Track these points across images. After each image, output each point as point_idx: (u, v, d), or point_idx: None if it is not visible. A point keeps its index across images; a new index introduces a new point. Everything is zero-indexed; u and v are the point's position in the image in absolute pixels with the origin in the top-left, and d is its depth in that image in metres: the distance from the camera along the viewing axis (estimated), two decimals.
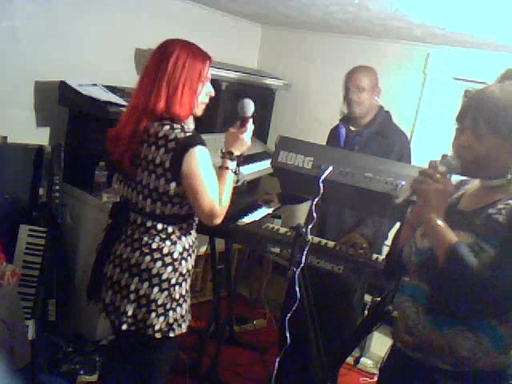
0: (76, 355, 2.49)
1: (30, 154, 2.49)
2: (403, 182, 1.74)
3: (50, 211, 2.47)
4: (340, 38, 3.47)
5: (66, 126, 2.78)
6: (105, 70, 2.84)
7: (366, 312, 2.73)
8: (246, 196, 2.43)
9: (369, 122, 2.39)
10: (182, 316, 1.74)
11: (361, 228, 2.23)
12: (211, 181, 1.60)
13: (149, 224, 1.67)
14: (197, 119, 1.83)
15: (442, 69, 3.07)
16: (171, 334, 1.69)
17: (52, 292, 2.50)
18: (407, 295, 1.36)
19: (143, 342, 1.72)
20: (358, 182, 1.79)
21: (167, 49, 1.62)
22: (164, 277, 1.66)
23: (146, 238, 1.66)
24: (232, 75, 3.21)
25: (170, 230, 1.67)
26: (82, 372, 2.42)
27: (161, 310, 1.66)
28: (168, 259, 1.66)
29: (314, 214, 1.84)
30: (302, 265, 1.86)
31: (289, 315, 1.86)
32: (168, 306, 1.68)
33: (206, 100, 1.73)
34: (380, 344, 2.96)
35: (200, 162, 1.58)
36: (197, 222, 1.77)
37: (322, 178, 1.81)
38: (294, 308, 1.88)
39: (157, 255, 1.65)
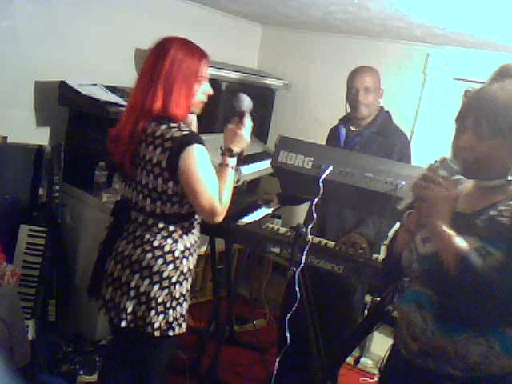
0: (76, 355, 2.49)
1: (30, 154, 2.49)
2: (403, 182, 1.74)
3: (50, 211, 2.47)
4: (340, 37, 3.47)
5: (66, 126, 2.78)
6: (105, 69, 2.84)
7: (366, 312, 2.74)
8: (246, 196, 2.43)
9: (369, 123, 2.39)
10: (182, 315, 1.74)
11: (361, 228, 2.23)
12: (210, 179, 1.60)
13: (150, 222, 1.67)
14: (197, 119, 1.84)
15: (442, 69, 3.07)
16: (171, 333, 1.69)
17: (52, 292, 2.50)
18: (411, 301, 1.34)
19: (142, 339, 1.71)
20: (358, 182, 1.79)
21: (164, 47, 1.62)
22: (165, 275, 1.66)
23: (147, 236, 1.66)
24: (232, 75, 3.21)
25: (171, 228, 1.67)
26: (81, 372, 2.42)
27: (161, 308, 1.66)
28: (169, 257, 1.66)
29: (314, 214, 1.84)
30: (302, 265, 1.86)
31: (289, 315, 1.86)
32: (168, 305, 1.68)
33: (204, 99, 1.72)
34: (380, 344, 2.96)
35: (197, 160, 1.57)
36: (199, 221, 1.77)
37: (322, 178, 1.81)
38: (294, 308, 1.88)
39: (158, 253, 1.65)
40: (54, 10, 2.61)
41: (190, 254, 1.74)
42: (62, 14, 2.65)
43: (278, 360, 1.97)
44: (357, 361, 3.10)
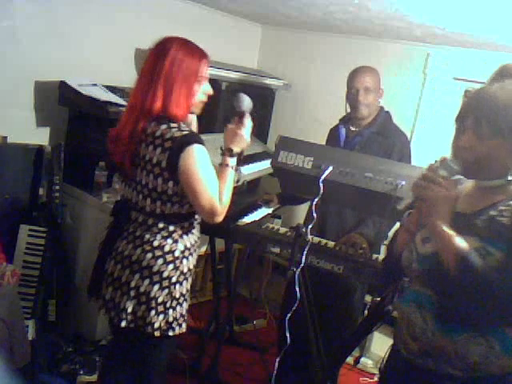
0: (76, 355, 2.49)
1: (30, 154, 2.49)
2: (403, 182, 1.74)
3: (50, 211, 2.47)
4: (340, 37, 3.47)
5: (66, 126, 2.78)
6: (105, 69, 2.84)
7: (366, 312, 2.73)
8: (246, 196, 2.43)
9: (369, 123, 2.39)
10: (182, 315, 1.74)
11: (361, 228, 2.23)
12: (210, 178, 1.60)
13: (150, 222, 1.67)
14: (197, 119, 1.83)
15: (442, 69, 3.07)
16: (171, 333, 1.69)
17: (52, 292, 2.50)
18: (411, 301, 1.34)
19: (142, 339, 1.71)
20: (358, 182, 1.79)
21: (164, 47, 1.62)
22: (165, 275, 1.66)
23: (147, 236, 1.66)
24: (232, 75, 3.21)
25: (171, 228, 1.67)
26: (81, 372, 2.42)
27: (161, 308, 1.66)
28: (169, 257, 1.66)
29: (314, 214, 1.84)
30: (302, 265, 1.86)
31: (289, 315, 1.86)
32: (168, 305, 1.68)
33: (204, 99, 1.72)
34: (380, 344, 2.96)
35: (197, 159, 1.57)
36: (199, 221, 1.77)
37: (322, 178, 1.81)
38: (294, 308, 1.88)
39: (158, 253, 1.65)
40: (54, 10, 2.61)
41: (190, 254, 1.74)
42: (62, 13, 2.65)
43: (278, 360, 1.97)
44: (357, 361, 3.10)
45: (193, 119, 1.81)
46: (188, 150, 1.56)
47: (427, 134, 3.13)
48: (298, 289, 1.86)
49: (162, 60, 1.59)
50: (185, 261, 1.70)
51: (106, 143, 1.72)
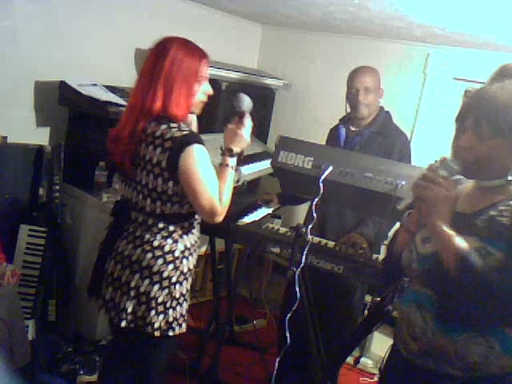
0: (76, 355, 2.49)
1: (30, 154, 2.49)
2: (403, 182, 1.74)
3: (50, 211, 2.47)
4: (340, 37, 3.47)
5: (66, 126, 2.78)
6: (105, 69, 2.84)
7: (366, 312, 2.73)
8: (246, 196, 2.43)
9: (370, 123, 2.39)
10: (182, 315, 1.74)
11: (361, 228, 2.23)
12: (210, 178, 1.60)
13: (150, 222, 1.67)
14: (197, 119, 1.83)
15: (442, 69, 3.07)
16: (171, 333, 1.69)
17: (52, 292, 2.50)
18: (411, 301, 1.34)
19: (142, 339, 1.71)
20: (358, 182, 1.79)
21: (164, 47, 1.62)
22: (165, 275, 1.66)
23: (147, 236, 1.66)
24: (232, 75, 3.21)
25: (171, 228, 1.67)
26: (81, 372, 2.42)
27: (161, 308, 1.66)
28: (169, 257, 1.66)
29: (314, 214, 1.84)
30: (302, 265, 1.86)
31: (289, 315, 1.86)
32: (168, 305, 1.68)
33: (204, 99, 1.72)
34: (380, 344, 2.96)
35: (197, 159, 1.57)
36: (199, 221, 1.77)
37: (322, 178, 1.81)
38: (294, 308, 1.88)
39: (158, 253, 1.65)
40: (54, 10, 2.61)
41: (190, 254, 1.74)
42: (62, 13, 2.65)
43: (278, 360, 1.97)
44: (357, 361, 3.10)
45: (193, 119, 1.81)
46: (188, 150, 1.56)
47: (427, 134, 3.13)
48: (298, 289, 1.86)
49: (162, 60, 1.59)
50: (185, 261, 1.70)
51: (106, 143, 1.72)
